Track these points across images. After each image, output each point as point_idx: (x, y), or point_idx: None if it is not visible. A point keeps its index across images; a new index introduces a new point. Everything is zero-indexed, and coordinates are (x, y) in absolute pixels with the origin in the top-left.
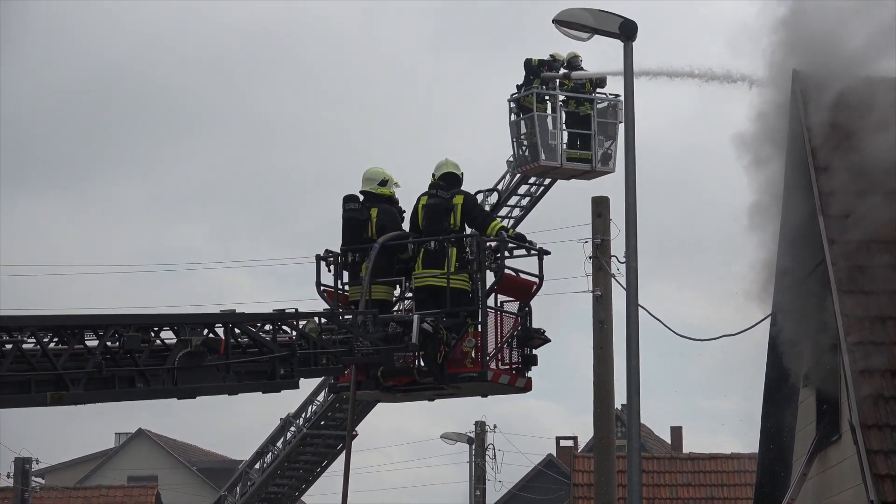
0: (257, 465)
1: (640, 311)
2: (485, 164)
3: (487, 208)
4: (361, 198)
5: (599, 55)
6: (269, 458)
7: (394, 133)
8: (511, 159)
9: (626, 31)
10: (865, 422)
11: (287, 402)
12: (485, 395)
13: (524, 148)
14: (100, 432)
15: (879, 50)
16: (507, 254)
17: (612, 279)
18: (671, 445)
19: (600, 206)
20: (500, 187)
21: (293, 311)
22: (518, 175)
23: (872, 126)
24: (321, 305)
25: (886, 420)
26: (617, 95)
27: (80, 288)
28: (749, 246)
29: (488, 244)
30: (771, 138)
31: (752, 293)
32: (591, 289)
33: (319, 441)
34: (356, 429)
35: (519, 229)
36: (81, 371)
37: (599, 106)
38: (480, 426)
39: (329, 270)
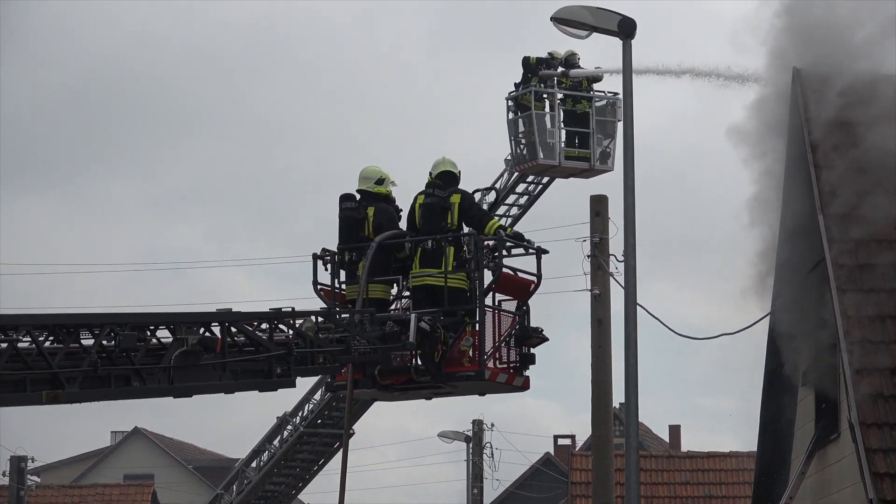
0: (254, 464)
1: (639, 309)
2: (483, 162)
3: (485, 207)
4: (358, 196)
5: (598, 53)
6: (265, 456)
7: (392, 132)
8: (509, 158)
9: (624, 28)
10: (864, 420)
11: (284, 400)
12: (482, 394)
13: (522, 146)
14: (96, 431)
15: (881, 45)
16: (505, 252)
17: (611, 278)
18: (669, 444)
19: (599, 205)
20: (498, 186)
21: (290, 309)
22: (516, 173)
23: (873, 121)
24: (318, 304)
25: (885, 418)
26: (616, 93)
27: (77, 287)
28: (748, 244)
29: (486, 243)
30: (769, 129)
31: (751, 291)
32: (589, 288)
33: (316, 440)
34: (353, 427)
35: (517, 228)
36: (77, 370)
37: (598, 104)
38: (478, 425)
39: (326, 269)
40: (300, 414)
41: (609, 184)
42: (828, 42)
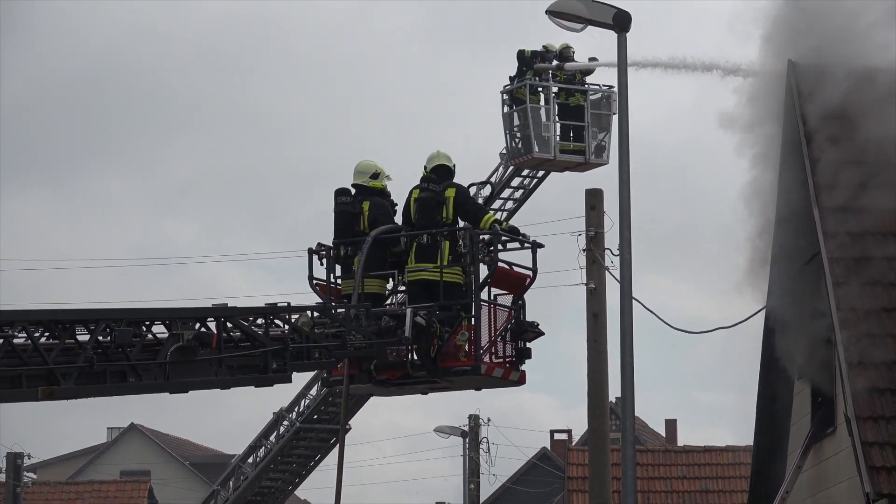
0: (250, 460)
1: (635, 303)
2: (478, 156)
3: (481, 201)
4: (353, 191)
5: (593, 47)
6: (262, 452)
7: (387, 126)
8: (504, 151)
9: (619, 21)
10: (860, 414)
11: (280, 396)
12: (478, 389)
13: (517, 140)
14: (92, 427)
15: (879, 35)
16: (500, 247)
17: (606, 272)
18: (665, 438)
19: (594, 199)
20: (493, 180)
21: (285, 304)
22: (511, 167)
23: (870, 112)
24: (313, 299)
25: (881, 412)
26: (610, 87)
27: (73, 282)
28: (744, 237)
29: (481, 237)
30: (763, 118)
31: (747, 284)
32: (584, 282)
33: (312, 435)
34: (349, 423)
35: (512, 222)
36: (73, 366)
37: (593, 97)
38: (474, 420)
39: (321, 264)
40: (296, 409)
41: (604, 177)
42: (824, 33)
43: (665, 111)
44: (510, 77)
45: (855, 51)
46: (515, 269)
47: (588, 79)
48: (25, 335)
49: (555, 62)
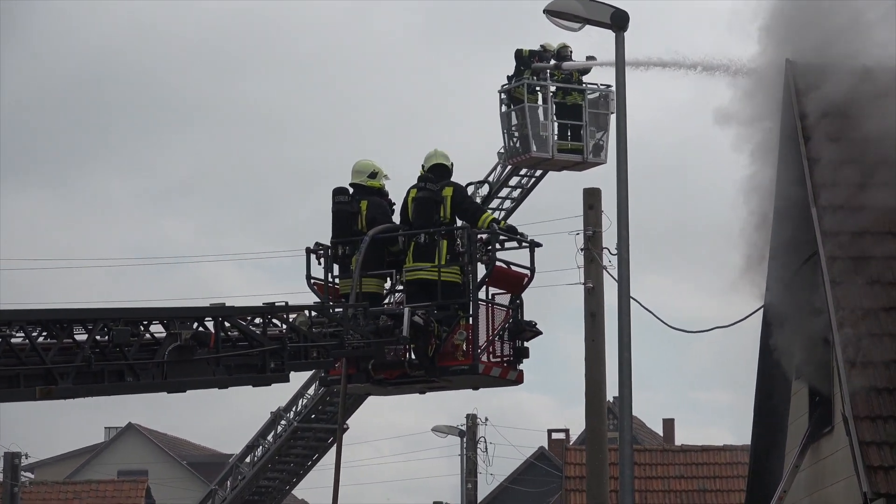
0: (248, 459)
1: (633, 303)
2: (476, 155)
3: (479, 200)
4: (351, 190)
5: (591, 46)
6: (259, 452)
7: (385, 125)
8: (502, 151)
9: (617, 21)
10: (858, 413)
11: (277, 395)
12: (476, 388)
13: (515, 139)
14: (89, 427)
15: (876, 34)
16: (498, 246)
17: (604, 271)
18: (663, 438)
19: (592, 198)
20: (491, 179)
21: (283, 304)
22: (509, 167)
23: (868, 111)
24: (311, 298)
25: (879, 411)
26: (608, 86)
27: (69, 282)
28: (742, 236)
29: (479, 236)
30: (760, 114)
31: (744, 283)
32: (582, 281)
33: (310, 435)
34: (347, 422)
35: (510, 221)
36: (70, 365)
37: (591, 96)
38: (472, 419)
39: (319, 263)
40: (294, 409)
41: (602, 177)
42: (822, 31)
43: (663, 110)
44: (508, 76)
45: (853, 49)
46: (513, 268)
47: (585, 78)
48: (23, 335)
49: (552, 61)
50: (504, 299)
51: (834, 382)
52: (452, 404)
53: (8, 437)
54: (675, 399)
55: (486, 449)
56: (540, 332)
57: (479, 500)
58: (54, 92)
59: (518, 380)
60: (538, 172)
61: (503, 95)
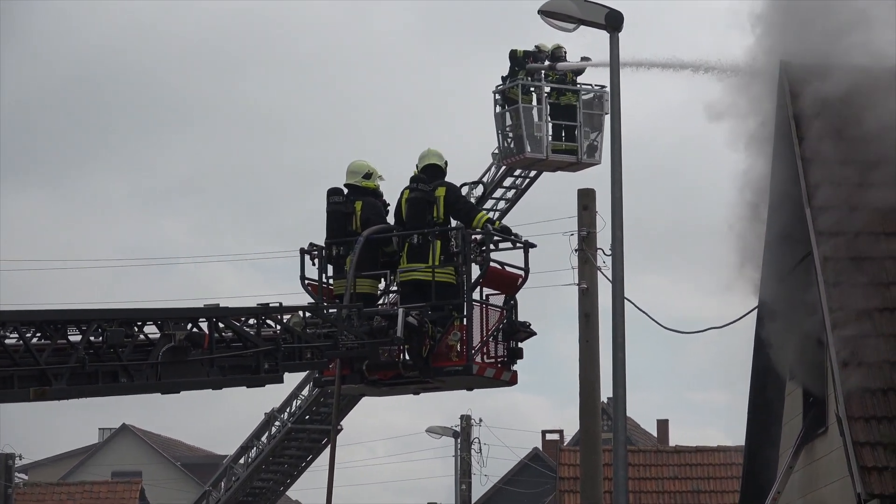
0: (242, 460)
1: (627, 303)
2: (470, 156)
3: (473, 201)
4: (346, 191)
5: (585, 46)
6: (253, 452)
7: (379, 126)
8: (496, 151)
9: (611, 21)
10: (852, 414)
11: (272, 396)
12: (470, 389)
13: (509, 140)
14: (83, 428)
15: (872, 34)
16: (492, 246)
17: (599, 272)
18: (657, 438)
19: (586, 199)
20: (485, 179)
21: (277, 305)
22: (503, 167)
23: (861, 112)
24: (305, 299)
25: (873, 412)
26: (603, 86)
27: (64, 282)
28: (736, 236)
29: (473, 237)
30: (753, 103)
31: (739, 284)
32: (576, 282)
33: (304, 436)
34: (341, 423)
35: (504, 222)
36: (65, 366)
37: (585, 97)
38: (466, 420)
39: (313, 264)
40: (288, 410)
41: (597, 177)
42: (816, 31)
43: (659, 110)
44: (502, 77)
45: (847, 49)
46: (507, 268)
47: (579, 78)
48: (17, 335)
49: (547, 62)
50: (498, 300)
51: (828, 383)
52: (447, 405)
53: (2, 438)
54: (670, 400)
55: (481, 450)
56: (534, 333)
57: (473, 502)
58: (53, 92)
59: (512, 381)
60: (532, 173)
61: (498, 96)
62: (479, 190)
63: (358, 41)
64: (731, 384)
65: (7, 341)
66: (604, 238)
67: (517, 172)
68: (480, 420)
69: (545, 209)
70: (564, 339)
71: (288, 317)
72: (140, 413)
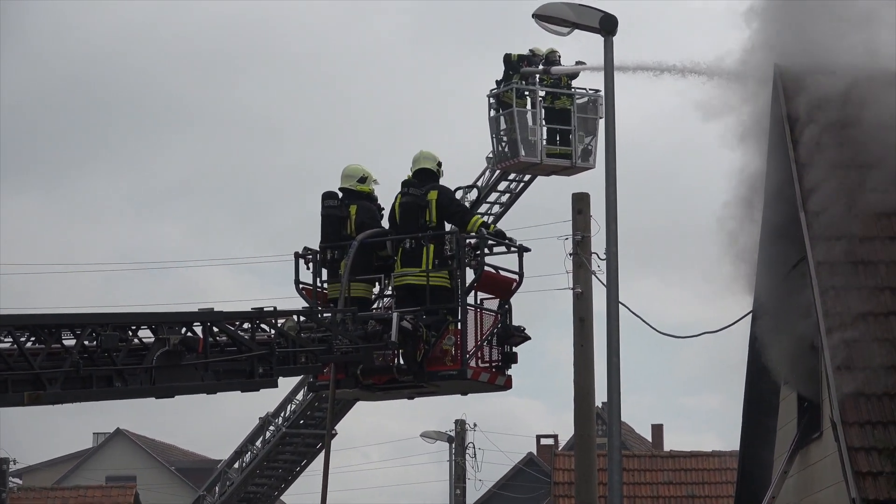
0: (236, 465)
1: (622, 308)
2: (464, 160)
3: (467, 205)
4: (340, 195)
5: (580, 50)
6: (248, 457)
7: (374, 129)
8: (491, 155)
9: (606, 25)
10: (846, 419)
11: (266, 401)
12: (464, 394)
13: (504, 144)
14: (78, 432)
15: (865, 38)
16: (486, 251)
17: (593, 276)
18: (652, 443)
19: (581, 203)
20: (479, 184)
21: (272, 309)
22: (498, 171)
23: (857, 116)
24: (300, 303)
25: (867, 417)
26: (597, 90)
27: (58, 286)
28: (731, 241)
29: (468, 241)
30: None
31: (733, 289)
32: (571, 286)
33: (298, 440)
34: (335, 428)
35: (499, 226)
36: (59, 370)
37: (579, 101)
38: (460, 424)
39: (308, 268)
40: (282, 414)
41: (591, 181)
42: (810, 35)
43: (653, 114)
44: (497, 81)
45: (842, 53)
46: (502, 273)
47: (574, 82)
48: (11, 340)
49: (541, 66)
50: (493, 304)
51: (822, 388)
52: (441, 410)
53: None
54: (664, 404)
55: (475, 454)
56: (528, 338)
57: None
58: (49, 94)
59: (506, 385)
60: (527, 177)
61: (492, 100)
62: (474, 194)
63: (353, 44)
64: (726, 389)
65: (1, 345)
66: (598, 242)
67: (511, 176)
68: (475, 424)
69: (539, 213)
70: (559, 344)
71: (282, 321)
72: (134, 417)
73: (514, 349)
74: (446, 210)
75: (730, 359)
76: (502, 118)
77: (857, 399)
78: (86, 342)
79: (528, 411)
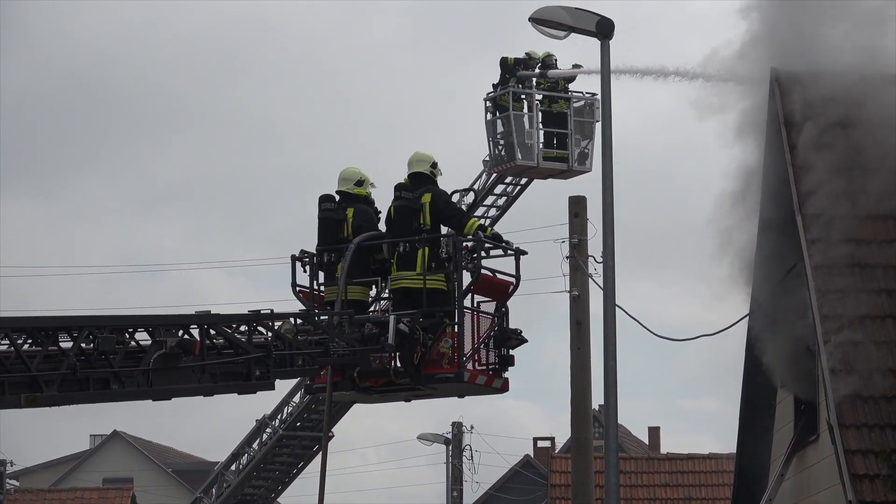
0: (233, 467)
1: (619, 311)
2: (461, 163)
3: (464, 208)
4: (337, 198)
5: (576, 53)
6: (244, 459)
7: (370, 132)
8: (487, 159)
9: (602, 29)
10: (843, 422)
11: (263, 403)
12: (461, 396)
13: (500, 147)
14: (75, 434)
15: (861, 41)
16: (483, 254)
17: (590, 279)
18: (649, 446)
19: (577, 206)
20: (476, 187)
21: (269, 311)
22: (494, 174)
23: (854, 119)
24: (297, 306)
25: (864, 420)
26: (593, 94)
27: (55, 289)
28: (727, 244)
29: (465, 244)
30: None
31: (730, 292)
32: (568, 289)
33: (295, 442)
34: (332, 430)
35: (495, 229)
36: (56, 373)
37: (576, 105)
38: (457, 427)
39: (304, 271)
40: (279, 417)
41: (588, 185)
42: (806, 39)
43: (650, 117)
44: (493, 84)
45: (839, 56)
46: (499, 276)
47: (571, 86)
48: (8, 342)
49: (538, 69)
50: (489, 307)
51: (819, 390)
52: (438, 412)
53: None
54: (661, 407)
55: (472, 457)
56: (525, 340)
57: None
58: (46, 97)
59: (503, 388)
60: (523, 180)
61: (489, 103)
62: (471, 197)
63: (352, 46)
64: (723, 391)
65: None
66: (595, 245)
67: (508, 180)
68: (472, 427)
69: (536, 217)
70: (556, 347)
71: (279, 324)
72: (131, 420)
73: (511, 352)
74: (442, 213)
75: (727, 361)
76: (499, 122)
77: (854, 402)
78: (83, 344)
79: (525, 414)
